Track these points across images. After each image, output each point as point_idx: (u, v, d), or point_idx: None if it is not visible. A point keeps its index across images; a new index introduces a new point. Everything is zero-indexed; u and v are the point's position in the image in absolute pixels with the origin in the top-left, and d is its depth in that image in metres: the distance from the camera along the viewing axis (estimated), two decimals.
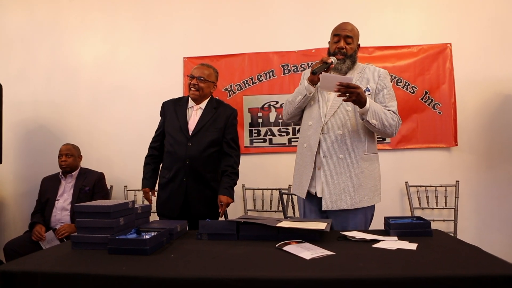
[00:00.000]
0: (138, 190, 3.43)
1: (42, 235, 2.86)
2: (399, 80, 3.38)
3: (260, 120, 3.49)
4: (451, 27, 3.38)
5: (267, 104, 3.48)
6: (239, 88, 3.52)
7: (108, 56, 3.70)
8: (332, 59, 1.99)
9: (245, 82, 3.52)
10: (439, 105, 3.35)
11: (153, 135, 2.58)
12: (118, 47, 3.70)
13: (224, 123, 2.42)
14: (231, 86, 3.53)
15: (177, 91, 3.47)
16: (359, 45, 2.14)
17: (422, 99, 3.37)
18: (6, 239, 3.12)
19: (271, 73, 3.50)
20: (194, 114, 2.43)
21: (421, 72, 3.37)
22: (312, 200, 2.08)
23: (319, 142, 2.01)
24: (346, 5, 3.45)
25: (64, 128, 3.69)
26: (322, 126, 2.01)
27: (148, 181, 2.46)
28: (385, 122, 1.93)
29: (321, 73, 1.87)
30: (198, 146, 2.34)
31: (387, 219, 1.71)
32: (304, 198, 2.06)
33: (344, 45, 2.05)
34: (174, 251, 1.43)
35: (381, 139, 3.37)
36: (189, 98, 2.47)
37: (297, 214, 3.00)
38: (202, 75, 2.39)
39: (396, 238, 1.53)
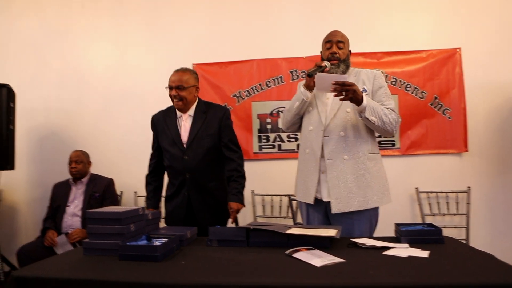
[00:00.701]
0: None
1: (54, 241, 2.89)
2: (408, 86, 3.37)
3: (269, 126, 3.50)
4: (460, 32, 3.36)
5: (276, 110, 3.48)
6: (248, 94, 3.54)
7: (118, 63, 3.75)
8: (326, 63, 2.02)
9: (254, 88, 3.53)
10: (449, 110, 3.32)
11: None
12: (127, 54, 3.75)
13: (217, 126, 2.29)
14: (239, 92, 3.55)
15: None
16: (350, 51, 2.17)
17: (431, 104, 3.34)
18: (19, 244, 3.15)
19: (279, 79, 3.51)
20: (185, 123, 2.30)
21: (431, 77, 3.36)
22: (315, 206, 2.07)
23: (322, 146, 2.01)
24: (354, 10, 3.46)
25: (75, 134, 3.74)
26: (323, 129, 2.02)
27: (151, 201, 2.39)
28: (384, 118, 1.94)
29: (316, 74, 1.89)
30: (194, 158, 2.24)
31: (397, 226, 1.69)
32: (312, 203, 2.05)
33: (337, 50, 2.08)
34: (184, 257, 1.44)
35: (390, 145, 3.35)
36: (176, 108, 2.34)
37: None
38: (180, 83, 2.23)
39: (407, 245, 1.51)
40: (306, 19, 3.51)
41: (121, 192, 3.51)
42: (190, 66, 3.54)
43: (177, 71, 2.29)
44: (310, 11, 3.52)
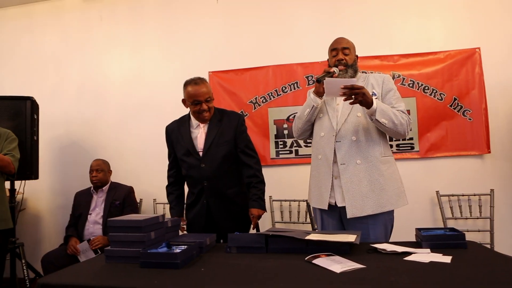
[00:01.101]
0: (167, 203, 3.49)
1: (76, 249, 2.96)
2: (426, 88, 3.32)
3: (285, 132, 3.50)
4: (479, 32, 3.30)
5: (293, 116, 3.48)
6: (264, 100, 3.55)
7: (135, 74, 3.84)
8: (334, 69, 2.03)
9: (270, 94, 3.55)
10: (469, 111, 3.26)
11: None
12: (144, 64, 3.83)
13: (233, 133, 2.28)
14: (256, 98, 3.56)
15: None
16: (357, 56, 2.18)
17: (451, 106, 3.29)
18: (43, 251, 3.25)
19: (295, 84, 3.51)
20: (200, 131, 2.29)
21: (449, 79, 3.30)
22: (330, 211, 2.06)
23: (334, 151, 2.01)
24: (369, 14, 3.44)
25: (95, 144, 3.83)
26: (335, 135, 2.02)
27: (175, 210, 2.38)
28: (395, 120, 1.94)
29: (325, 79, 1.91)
30: (211, 165, 2.23)
31: (418, 230, 1.67)
32: (326, 209, 2.04)
33: (343, 56, 2.10)
34: (204, 264, 1.45)
35: (409, 148, 3.31)
36: (191, 117, 2.32)
37: None
38: (209, 95, 2.20)
39: (428, 250, 1.48)
40: (321, 24, 3.51)
41: (141, 199, 3.57)
42: (206, 74, 3.60)
43: (198, 84, 2.20)
44: (324, 16, 3.52)
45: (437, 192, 3.20)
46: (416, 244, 1.62)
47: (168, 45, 3.79)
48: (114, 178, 3.40)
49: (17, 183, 3.14)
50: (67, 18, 4.01)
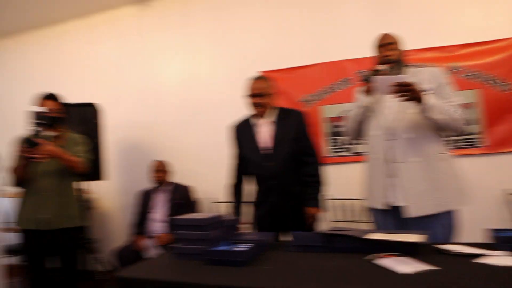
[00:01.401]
0: (224, 202, 3.56)
1: (142, 245, 3.14)
2: (489, 78, 3.12)
3: (339, 129, 3.44)
4: None
5: (345, 113, 3.41)
6: (316, 98, 3.52)
7: (190, 76, 3.98)
8: (381, 66, 1.98)
9: (322, 91, 3.51)
10: None
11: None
12: (198, 66, 3.96)
13: (295, 131, 2.31)
14: (307, 96, 3.54)
15: None
16: (403, 50, 2.11)
17: None
18: (111, 247, 3.48)
19: (347, 81, 3.45)
20: (265, 130, 2.33)
21: None
22: (387, 211, 2.00)
23: (388, 149, 1.96)
24: (422, 2, 3.29)
25: (155, 145, 4.02)
26: (388, 133, 1.97)
27: (236, 210, 2.42)
28: (449, 116, 1.86)
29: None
30: (277, 164, 2.26)
31: (492, 231, 1.56)
32: (384, 208, 1.99)
33: (389, 52, 2.05)
34: (268, 262, 1.47)
35: (471, 143, 3.13)
36: (254, 116, 2.38)
37: None
38: (261, 90, 2.29)
39: (505, 253, 1.38)
40: (370, 17, 3.41)
41: (199, 198, 3.68)
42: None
43: (256, 79, 2.34)
44: (374, 8, 3.41)
45: (505, 190, 2.99)
46: (487, 246, 1.52)
47: (220, 47, 3.88)
48: (173, 178, 3.55)
49: (87, 184, 3.38)
50: (124, 26, 4.24)
